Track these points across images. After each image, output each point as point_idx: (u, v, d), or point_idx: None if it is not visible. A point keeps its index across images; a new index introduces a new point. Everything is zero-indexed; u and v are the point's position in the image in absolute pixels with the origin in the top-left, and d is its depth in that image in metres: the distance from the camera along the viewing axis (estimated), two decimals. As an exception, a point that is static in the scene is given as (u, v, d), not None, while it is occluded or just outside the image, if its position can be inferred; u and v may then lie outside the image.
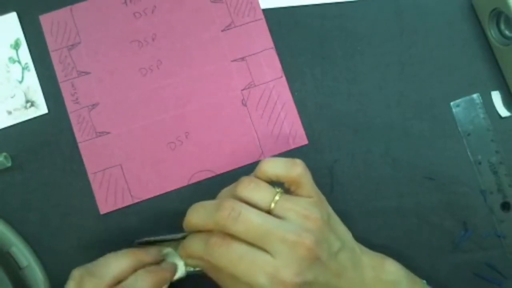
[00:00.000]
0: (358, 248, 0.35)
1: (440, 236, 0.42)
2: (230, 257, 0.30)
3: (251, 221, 0.30)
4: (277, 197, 0.32)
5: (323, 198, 0.35)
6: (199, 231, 0.33)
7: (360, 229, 0.42)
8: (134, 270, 0.34)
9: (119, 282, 0.33)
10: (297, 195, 0.33)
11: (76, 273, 0.33)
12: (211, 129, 0.43)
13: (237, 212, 0.31)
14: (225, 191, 0.35)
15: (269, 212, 0.32)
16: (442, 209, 0.42)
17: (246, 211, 0.31)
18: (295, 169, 0.33)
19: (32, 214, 0.42)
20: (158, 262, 0.37)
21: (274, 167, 0.33)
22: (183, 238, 0.36)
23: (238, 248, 0.30)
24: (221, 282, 0.33)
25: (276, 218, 0.31)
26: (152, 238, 0.37)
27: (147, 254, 0.36)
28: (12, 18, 0.44)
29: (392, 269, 0.35)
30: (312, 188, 0.34)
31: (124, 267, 0.34)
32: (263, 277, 0.29)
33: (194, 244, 0.33)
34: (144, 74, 0.43)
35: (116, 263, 0.34)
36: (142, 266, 0.35)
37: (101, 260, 0.34)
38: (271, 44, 0.44)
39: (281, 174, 0.33)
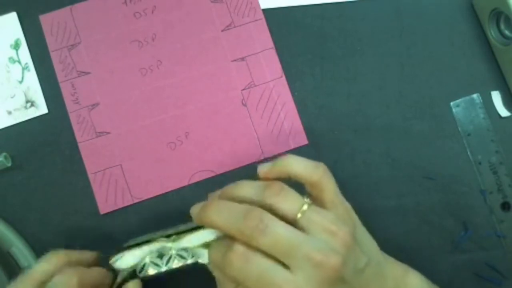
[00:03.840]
0: (382, 258, 0.34)
1: (440, 236, 0.42)
2: (250, 272, 0.29)
3: (278, 235, 0.29)
4: (305, 207, 0.30)
5: (349, 207, 0.33)
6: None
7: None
8: (57, 270, 0.34)
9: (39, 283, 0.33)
10: (320, 201, 0.32)
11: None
12: (211, 129, 0.43)
13: (264, 224, 0.29)
14: (250, 187, 0.33)
15: (294, 221, 0.30)
16: (442, 209, 0.42)
17: (274, 224, 0.29)
18: (317, 172, 0.32)
19: (32, 214, 0.42)
20: (93, 261, 0.36)
21: (296, 165, 0.32)
22: (174, 234, 0.36)
23: (259, 264, 0.29)
24: None
25: (302, 232, 0.30)
26: (139, 239, 0.37)
27: (72, 253, 0.35)
28: (12, 18, 0.44)
29: (414, 281, 0.35)
30: (336, 195, 0.32)
31: (47, 269, 0.33)
32: None
33: (213, 253, 0.32)
34: (144, 74, 0.43)
35: (39, 268, 0.34)
36: (74, 264, 0.35)
37: (34, 264, 0.34)
38: (271, 44, 0.44)
39: (302, 174, 0.32)
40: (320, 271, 0.28)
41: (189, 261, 0.36)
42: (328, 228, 0.30)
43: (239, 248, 0.30)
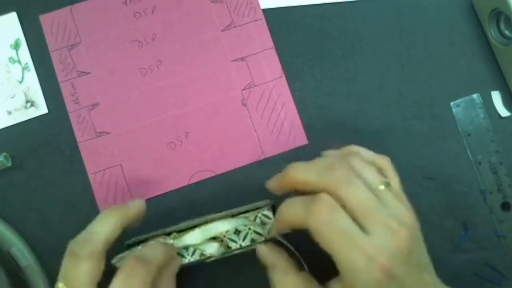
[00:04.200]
0: (438, 280, 0.33)
1: (440, 236, 0.42)
2: (334, 225, 0.29)
3: (363, 190, 0.29)
4: (382, 186, 0.31)
5: (412, 209, 0.33)
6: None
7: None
8: (122, 227, 0.34)
9: (110, 243, 0.33)
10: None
11: (70, 243, 0.33)
12: (211, 129, 0.43)
13: (352, 176, 0.30)
14: (332, 154, 0.33)
15: (374, 192, 0.30)
16: (442, 209, 0.42)
17: (359, 181, 0.30)
18: (384, 158, 0.33)
19: (32, 214, 0.42)
20: (142, 213, 0.37)
21: (365, 151, 0.33)
22: (174, 231, 0.36)
23: (343, 219, 0.29)
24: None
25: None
26: (141, 237, 0.37)
27: (130, 208, 0.35)
28: (12, 18, 0.44)
29: None
30: (401, 190, 0.33)
31: (112, 228, 0.33)
32: (360, 257, 0.28)
33: (295, 208, 0.31)
34: (144, 74, 0.43)
35: (104, 227, 0.33)
36: (131, 220, 0.35)
37: (89, 227, 0.34)
38: (271, 44, 0.44)
39: (373, 157, 0.33)
40: (396, 240, 0.29)
41: (188, 260, 0.36)
42: (400, 207, 0.30)
43: (326, 197, 0.29)
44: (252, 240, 0.36)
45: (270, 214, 0.37)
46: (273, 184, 0.34)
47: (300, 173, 0.32)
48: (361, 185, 0.30)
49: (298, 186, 0.32)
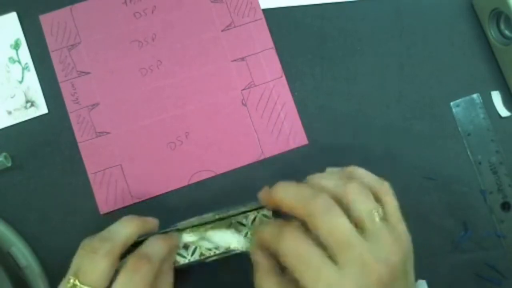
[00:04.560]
0: None
1: (440, 236, 0.42)
2: (299, 252, 0.29)
3: (340, 223, 0.29)
4: (376, 217, 0.30)
5: (408, 236, 0.32)
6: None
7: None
8: (138, 234, 0.35)
9: (127, 246, 0.34)
10: (385, 213, 0.31)
11: (86, 241, 0.33)
12: (211, 129, 0.43)
13: (330, 207, 0.29)
14: (331, 179, 0.33)
15: (362, 223, 0.30)
16: (442, 209, 0.42)
17: (339, 212, 0.29)
18: (383, 185, 0.32)
19: (32, 214, 0.42)
20: (155, 230, 0.37)
21: (366, 174, 0.33)
22: (175, 230, 0.36)
23: (310, 247, 0.29)
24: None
25: (363, 236, 0.29)
26: (141, 238, 0.37)
27: (148, 221, 0.36)
28: (12, 18, 0.44)
29: None
30: (399, 218, 0.32)
31: (132, 233, 0.34)
32: (322, 286, 0.28)
33: (268, 230, 0.32)
34: (144, 74, 0.43)
35: (125, 230, 0.34)
36: (145, 232, 0.36)
37: (110, 227, 0.35)
38: (271, 44, 0.44)
39: (370, 183, 0.32)
40: (367, 278, 0.28)
41: (188, 259, 0.36)
42: (387, 240, 0.30)
43: (297, 227, 0.30)
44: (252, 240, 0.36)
45: (269, 214, 0.37)
46: (262, 197, 0.35)
47: (285, 195, 0.32)
48: (340, 217, 0.29)
49: (283, 207, 0.32)
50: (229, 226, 0.37)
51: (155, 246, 0.34)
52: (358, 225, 0.30)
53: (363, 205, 0.30)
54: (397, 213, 0.32)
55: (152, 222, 0.37)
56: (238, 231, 0.37)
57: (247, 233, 0.37)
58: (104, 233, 0.34)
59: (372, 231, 0.30)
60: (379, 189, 0.32)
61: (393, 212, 0.32)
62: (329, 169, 0.35)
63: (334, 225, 0.29)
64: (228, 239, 0.37)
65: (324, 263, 0.28)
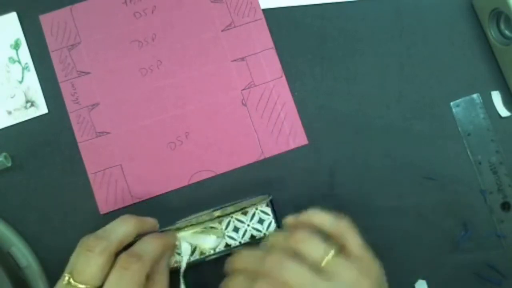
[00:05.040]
0: None
1: (440, 236, 0.42)
2: None
3: (296, 269, 0.30)
4: (331, 254, 0.31)
5: (376, 264, 0.33)
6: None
7: (360, 229, 0.42)
8: (136, 235, 0.35)
9: (123, 245, 0.34)
10: (347, 252, 0.32)
11: (84, 239, 0.34)
12: (211, 129, 0.43)
13: (284, 259, 0.31)
14: (278, 237, 0.34)
15: (318, 269, 0.31)
16: (442, 209, 0.42)
17: (291, 263, 0.31)
18: (340, 224, 0.33)
19: (32, 214, 0.42)
20: (154, 230, 0.37)
21: (320, 216, 0.34)
22: (175, 229, 0.36)
23: None
24: None
25: (327, 279, 0.30)
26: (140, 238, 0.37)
27: (146, 221, 0.36)
28: (12, 18, 0.44)
29: None
30: (360, 248, 0.33)
31: (129, 232, 0.34)
32: None
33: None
34: (144, 74, 0.43)
35: (121, 228, 0.34)
36: (143, 232, 0.36)
37: (107, 226, 0.35)
38: (271, 44, 0.44)
39: (325, 225, 0.33)
40: None
41: (188, 258, 0.37)
42: (352, 276, 0.30)
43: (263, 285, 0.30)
44: (252, 237, 0.37)
45: (268, 210, 0.37)
46: (227, 267, 0.35)
47: (241, 264, 0.33)
48: (294, 265, 0.30)
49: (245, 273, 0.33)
50: (227, 224, 0.37)
51: (148, 245, 0.34)
52: (317, 270, 0.31)
53: (312, 250, 0.31)
54: (359, 245, 0.33)
55: (150, 222, 0.37)
56: (237, 228, 0.37)
57: (245, 230, 0.37)
58: (101, 231, 0.34)
59: (330, 270, 0.31)
60: (336, 228, 0.33)
61: (354, 246, 0.33)
62: (284, 220, 0.36)
63: (292, 273, 0.30)
64: (227, 238, 0.37)
65: None
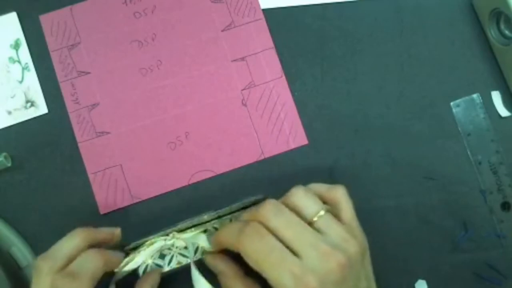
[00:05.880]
0: None
1: (440, 236, 0.42)
2: (261, 248, 0.30)
3: (291, 218, 0.31)
4: (321, 212, 0.32)
5: (363, 235, 0.34)
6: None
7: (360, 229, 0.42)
8: (86, 247, 0.34)
9: (71, 260, 0.33)
10: (338, 219, 0.33)
11: (35, 261, 0.33)
12: (211, 129, 0.43)
13: (278, 208, 0.32)
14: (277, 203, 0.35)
15: (311, 223, 0.32)
16: (442, 209, 0.42)
17: (288, 212, 0.32)
18: (337, 189, 0.34)
19: (32, 214, 0.42)
20: (113, 240, 0.37)
21: (318, 185, 0.35)
22: (177, 231, 0.36)
23: (271, 241, 0.30)
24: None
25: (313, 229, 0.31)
26: (141, 241, 0.37)
27: (98, 231, 0.36)
28: (12, 18, 0.44)
29: None
30: (353, 217, 0.34)
31: (75, 246, 0.34)
32: (288, 276, 0.29)
33: (228, 230, 0.33)
34: (144, 74, 0.43)
35: (67, 244, 0.34)
36: (96, 243, 0.35)
37: (55, 244, 0.34)
38: (271, 44, 0.44)
39: (322, 190, 0.34)
40: (327, 262, 0.30)
41: (191, 258, 0.37)
42: (341, 234, 0.31)
43: (255, 224, 0.31)
44: None
45: None
46: (212, 243, 0.36)
47: (222, 235, 0.34)
48: (288, 214, 0.31)
49: (225, 247, 0.34)
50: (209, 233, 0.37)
51: (84, 261, 0.33)
52: (308, 222, 0.32)
53: (305, 205, 0.32)
54: (350, 215, 0.34)
55: (105, 232, 0.36)
56: None
57: None
58: (49, 250, 0.34)
59: (323, 225, 0.32)
60: (329, 193, 0.34)
61: (346, 211, 0.34)
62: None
63: (287, 219, 0.31)
64: None
65: (285, 254, 0.30)
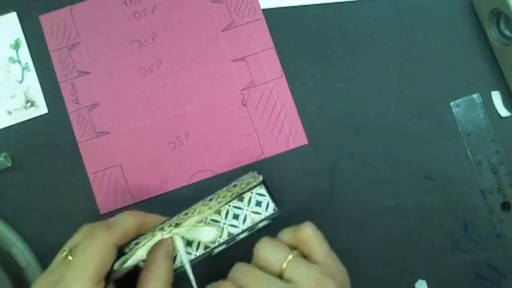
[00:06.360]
0: None
1: (440, 236, 0.42)
2: None
3: (257, 274, 0.32)
4: (290, 257, 0.32)
5: (340, 265, 0.34)
6: None
7: (360, 229, 0.42)
8: (138, 229, 0.35)
9: (126, 238, 0.34)
10: (312, 260, 0.33)
11: (84, 227, 0.34)
12: (211, 129, 0.43)
13: (246, 269, 0.32)
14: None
15: (281, 273, 0.32)
16: (442, 209, 0.42)
17: (254, 269, 0.32)
18: (303, 228, 0.34)
19: (32, 214, 0.42)
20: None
21: (283, 233, 0.35)
22: (174, 225, 0.36)
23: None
24: None
25: (285, 282, 0.31)
26: (138, 239, 0.37)
27: (148, 215, 0.37)
28: (12, 18, 0.44)
29: None
30: (326, 251, 0.33)
31: (132, 224, 0.35)
32: None
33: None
34: (144, 74, 0.43)
35: (126, 220, 0.35)
36: (145, 226, 0.36)
37: (112, 218, 0.35)
38: (271, 44, 0.44)
39: (289, 236, 0.34)
40: None
41: (194, 255, 0.37)
42: (313, 276, 0.31)
43: (227, 284, 0.32)
44: (253, 221, 0.37)
45: (263, 191, 0.37)
46: None
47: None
48: (254, 271, 0.32)
49: None
50: (226, 214, 0.37)
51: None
52: (277, 274, 0.32)
53: (271, 255, 0.33)
54: (322, 252, 0.33)
55: (155, 218, 0.37)
56: (236, 215, 0.37)
57: (245, 216, 0.37)
58: (105, 222, 0.35)
59: (292, 272, 0.32)
60: (297, 235, 0.34)
61: (318, 249, 0.33)
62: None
63: (247, 279, 0.32)
64: (229, 227, 0.37)
65: None
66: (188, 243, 0.37)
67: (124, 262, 0.36)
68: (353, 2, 0.44)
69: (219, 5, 0.44)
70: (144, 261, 0.36)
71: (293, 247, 0.34)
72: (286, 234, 0.35)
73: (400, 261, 0.41)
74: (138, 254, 0.36)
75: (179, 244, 0.36)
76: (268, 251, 0.33)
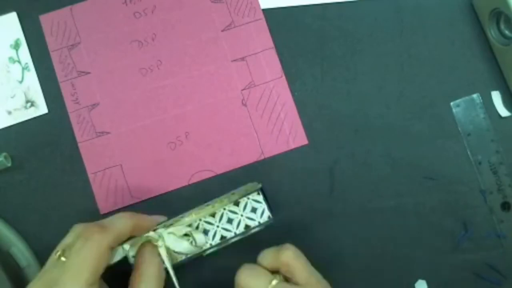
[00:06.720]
0: None
1: (440, 236, 0.42)
2: None
3: None
4: (274, 282, 0.32)
5: (323, 283, 0.34)
6: None
7: (360, 229, 0.42)
8: (133, 231, 0.35)
9: (120, 239, 0.34)
10: (295, 282, 0.33)
11: (77, 227, 0.34)
12: (211, 129, 0.43)
13: None
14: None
15: None
16: (442, 209, 0.42)
17: None
18: (284, 251, 0.34)
19: (32, 214, 0.42)
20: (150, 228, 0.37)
21: (264, 257, 0.35)
22: (163, 228, 0.36)
23: None
24: None
25: None
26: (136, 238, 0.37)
27: (143, 218, 0.36)
28: (12, 18, 0.44)
29: None
30: (309, 274, 0.33)
31: (127, 226, 0.34)
32: None
33: None
34: (144, 74, 0.43)
35: (119, 222, 0.34)
36: (139, 228, 0.36)
37: (107, 219, 0.35)
38: (271, 44, 0.44)
39: (271, 258, 0.34)
40: None
41: (208, 243, 0.37)
42: None
43: None
44: (246, 227, 0.37)
45: (260, 198, 0.37)
46: None
47: None
48: None
49: None
50: (221, 217, 0.38)
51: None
52: None
53: (254, 282, 0.33)
54: (305, 273, 0.33)
55: (149, 219, 0.37)
56: (231, 220, 0.38)
57: (239, 221, 0.37)
58: (100, 222, 0.34)
59: None
60: (278, 259, 0.34)
61: (300, 271, 0.33)
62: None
63: None
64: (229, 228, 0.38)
65: None
66: (205, 232, 0.37)
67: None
68: (353, 2, 0.44)
69: (219, 5, 0.44)
70: (133, 256, 0.36)
71: (274, 270, 0.34)
72: (267, 258, 0.35)
73: (400, 261, 0.41)
74: (124, 248, 0.36)
75: (162, 251, 0.36)
76: (249, 280, 0.33)
